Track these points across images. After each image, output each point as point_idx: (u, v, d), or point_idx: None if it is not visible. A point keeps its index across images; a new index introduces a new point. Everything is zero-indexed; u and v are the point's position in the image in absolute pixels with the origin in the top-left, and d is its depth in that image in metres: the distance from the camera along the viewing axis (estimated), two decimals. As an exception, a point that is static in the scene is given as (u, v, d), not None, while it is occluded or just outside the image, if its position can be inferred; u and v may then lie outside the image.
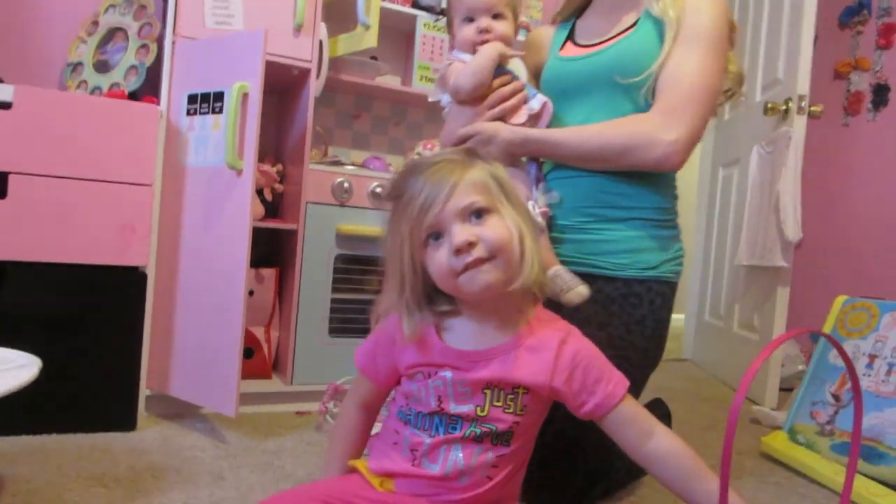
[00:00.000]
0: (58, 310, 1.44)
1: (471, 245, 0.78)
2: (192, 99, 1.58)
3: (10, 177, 1.39)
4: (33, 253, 1.41)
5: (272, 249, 1.99)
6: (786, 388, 2.33)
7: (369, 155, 2.25)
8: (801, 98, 2.18)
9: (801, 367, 2.48)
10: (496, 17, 1.17)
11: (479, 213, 0.79)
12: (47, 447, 1.34)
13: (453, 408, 0.82)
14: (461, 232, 0.78)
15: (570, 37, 1.34)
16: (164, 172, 1.58)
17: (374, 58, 2.07)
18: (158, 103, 1.61)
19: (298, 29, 1.73)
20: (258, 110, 1.46)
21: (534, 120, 1.19)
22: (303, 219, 1.76)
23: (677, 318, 1.92)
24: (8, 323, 1.38)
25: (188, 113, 1.58)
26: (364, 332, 1.85)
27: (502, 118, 1.17)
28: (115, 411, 1.50)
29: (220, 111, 1.52)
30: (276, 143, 2.05)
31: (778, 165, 2.20)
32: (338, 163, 1.91)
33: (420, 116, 2.37)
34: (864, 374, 1.57)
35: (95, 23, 1.88)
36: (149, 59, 1.74)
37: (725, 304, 2.73)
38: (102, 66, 1.82)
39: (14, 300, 1.40)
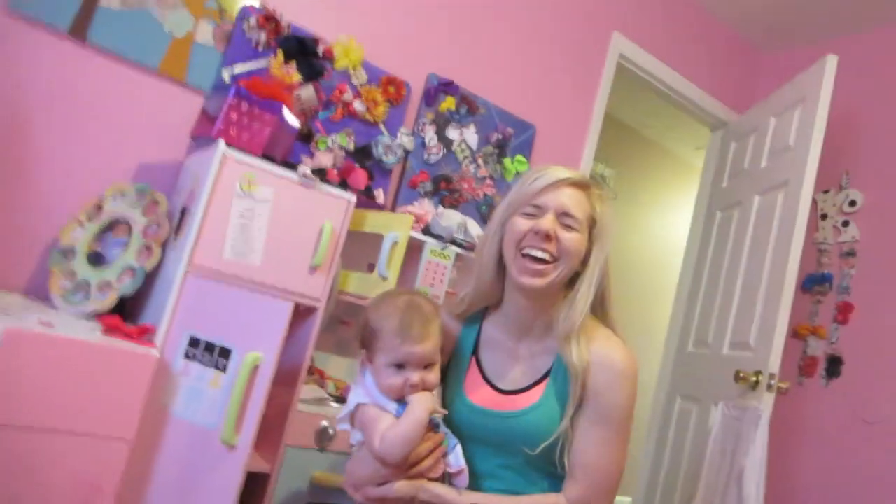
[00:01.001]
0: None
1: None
2: (192, 342, 1.49)
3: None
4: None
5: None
6: None
7: (349, 362, 2.18)
8: (771, 376, 2.29)
9: None
10: (428, 366, 1.12)
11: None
12: None
13: None
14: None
15: (477, 359, 1.27)
16: (143, 424, 1.45)
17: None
18: (151, 333, 1.49)
19: (314, 268, 1.68)
20: (267, 387, 1.38)
21: (450, 477, 1.14)
22: (279, 462, 1.65)
23: None
24: None
25: (186, 356, 1.48)
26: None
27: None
28: None
29: (223, 369, 1.43)
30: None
31: (744, 440, 2.26)
32: (324, 400, 1.82)
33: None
34: None
35: (99, 207, 1.76)
36: (149, 264, 1.64)
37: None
38: (96, 259, 1.70)
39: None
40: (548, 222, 1.15)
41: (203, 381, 1.45)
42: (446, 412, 1.17)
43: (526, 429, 1.15)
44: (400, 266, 1.83)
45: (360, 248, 1.92)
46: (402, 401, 1.10)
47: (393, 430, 1.06)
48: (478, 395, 1.21)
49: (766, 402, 2.27)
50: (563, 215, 1.17)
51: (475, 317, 1.31)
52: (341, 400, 1.90)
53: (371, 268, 1.83)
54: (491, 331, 1.28)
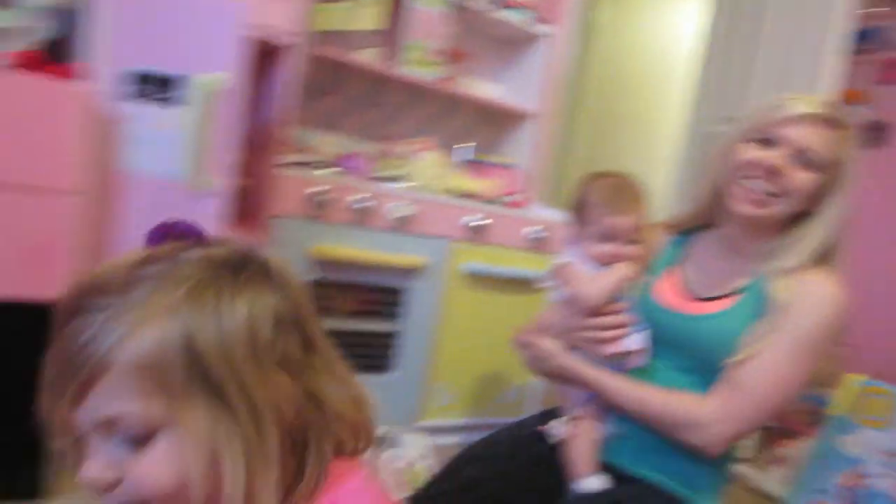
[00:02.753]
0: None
1: (109, 486, 0.50)
2: (134, 79, 1.17)
3: None
4: None
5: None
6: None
7: (338, 138, 1.90)
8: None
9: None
10: (631, 241, 1.16)
11: (137, 437, 0.50)
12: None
13: None
14: (95, 463, 0.50)
15: (678, 267, 1.24)
16: (92, 177, 1.18)
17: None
18: (80, 75, 1.18)
19: (282, -8, 1.34)
20: (236, 117, 1.10)
21: (622, 356, 1.15)
22: (269, 234, 1.42)
23: None
24: None
25: (129, 97, 1.18)
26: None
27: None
28: (19, 478, 1.18)
29: (178, 103, 1.13)
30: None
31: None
32: (311, 164, 1.55)
33: (402, 99, 2.02)
34: (880, 474, 1.47)
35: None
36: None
37: None
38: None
39: None
40: (777, 157, 1.07)
41: (156, 122, 1.16)
42: (641, 283, 1.19)
43: (703, 334, 1.13)
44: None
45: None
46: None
47: (591, 277, 1.15)
48: (665, 296, 1.21)
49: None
50: (799, 153, 1.07)
51: (688, 231, 1.27)
52: (328, 166, 1.63)
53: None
54: (698, 245, 1.25)
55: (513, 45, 2.17)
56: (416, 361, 1.70)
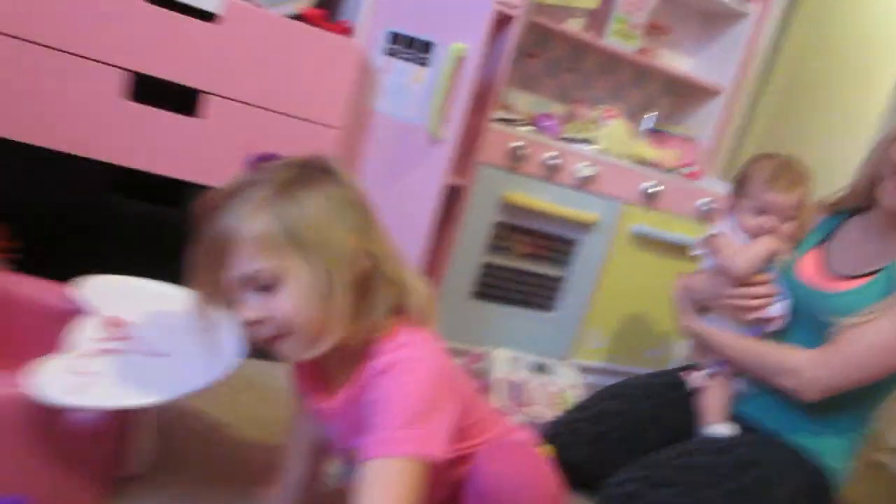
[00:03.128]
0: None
1: (259, 322, 0.74)
2: (393, 38, 1.45)
3: (205, 96, 1.32)
4: (218, 178, 1.37)
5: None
6: None
7: (533, 98, 2.10)
8: None
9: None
10: (787, 219, 1.23)
11: (268, 285, 0.73)
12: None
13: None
14: (247, 307, 0.74)
15: (825, 245, 1.31)
16: (349, 113, 1.49)
17: None
18: (351, 32, 1.48)
19: (515, -30, 1.53)
20: (473, 81, 1.34)
21: (763, 322, 1.26)
22: (473, 178, 1.67)
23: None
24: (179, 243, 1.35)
25: (387, 52, 1.46)
26: (509, 300, 1.84)
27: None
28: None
29: (425, 63, 1.39)
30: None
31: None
32: (515, 121, 1.77)
33: (595, 66, 2.17)
34: None
35: None
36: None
37: None
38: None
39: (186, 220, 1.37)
40: None
41: (405, 77, 1.43)
42: (789, 259, 1.28)
43: (834, 309, 1.18)
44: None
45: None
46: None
47: (741, 247, 1.24)
48: (805, 273, 1.29)
49: None
50: None
51: (843, 212, 1.34)
52: (529, 124, 1.85)
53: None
54: (850, 227, 1.31)
55: (715, 20, 2.21)
56: (575, 305, 1.91)
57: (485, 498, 0.85)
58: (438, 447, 0.73)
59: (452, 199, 1.74)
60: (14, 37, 1.15)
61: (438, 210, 1.49)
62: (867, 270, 1.21)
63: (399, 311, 0.79)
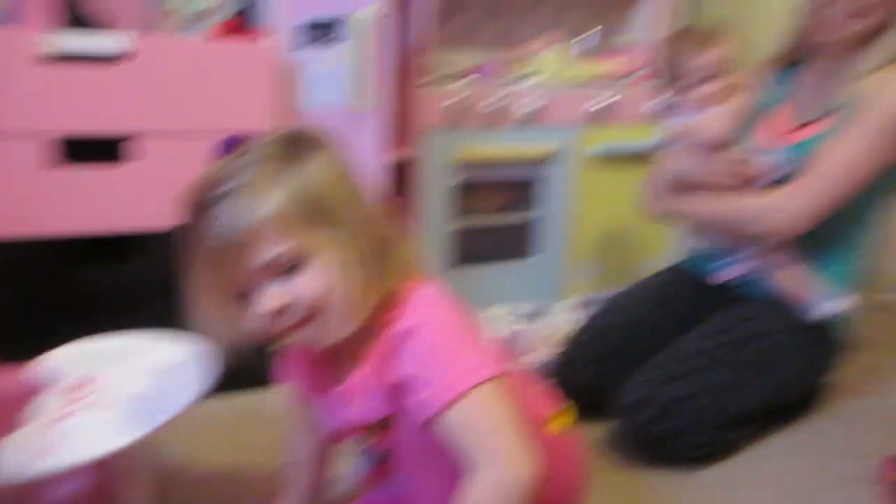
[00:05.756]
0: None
1: (284, 309, 0.68)
2: (303, 30, 1.42)
3: (132, 139, 1.30)
4: (164, 221, 1.37)
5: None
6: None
7: (474, 50, 2.04)
8: None
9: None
10: (725, 73, 1.25)
11: (289, 267, 0.67)
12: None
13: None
14: (269, 296, 0.67)
15: (791, 96, 1.34)
16: (279, 118, 1.47)
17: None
18: (264, 35, 1.45)
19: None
20: (387, 40, 1.30)
21: (752, 180, 1.26)
22: (418, 147, 1.64)
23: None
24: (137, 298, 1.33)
25: (308, 43, 1.42)
26: (491, 258, 1.82)
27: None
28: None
29: (337, 41, 1.37)
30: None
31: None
32: (448, 79, 1.73)
33: (527, 2, 2.10)
34: None
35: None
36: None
37: None
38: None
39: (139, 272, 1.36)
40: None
41: (330, 62, 1.40)
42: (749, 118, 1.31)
43: (805, 157, 1.21)
44: None
45: None
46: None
47: (708, 117, 1.26)
48: (778, 128, 1.31)
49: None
50: None
51: (795, 62, 1.37)
52: (463, 78, 1.80)
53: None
54: (806, 74, 1.34)
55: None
56: (557, 243, 1.87)
57: None
58: (493, 365, 0.71)
59: (404, 173, 1.72)
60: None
61: (387, 187, 1.47)
62: (829, 110, 1.24)
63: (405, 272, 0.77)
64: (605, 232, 1.92)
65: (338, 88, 1.40)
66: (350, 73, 1.33)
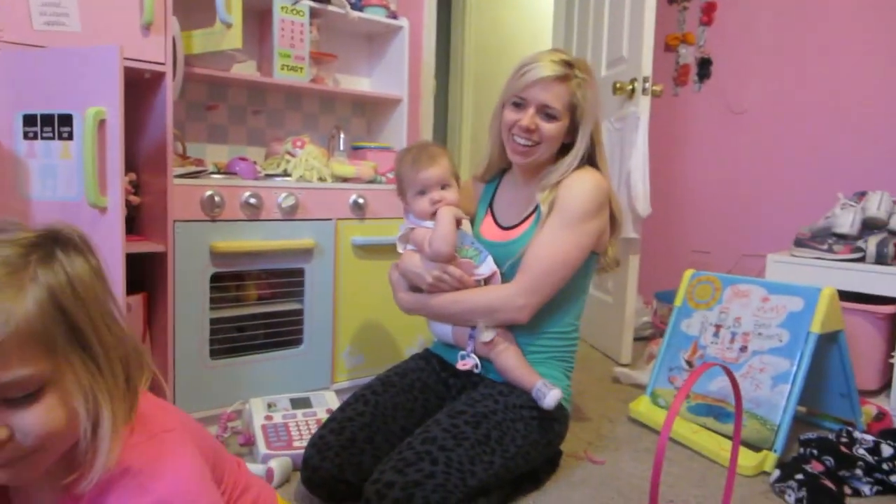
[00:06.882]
0: None
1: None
2: (29, 120, 1.37)
3: None
4: None
5: (134, 273, 1.81)
6: (638, 338, 2.63)
7: (227, 148, 2.11)
8: (645, 79, 2.35)
9: (645, 319, 2.79)
10: (444, 187, 1.43)
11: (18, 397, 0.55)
12: None
13: None
14: None
15: (491, 206, 1.59)
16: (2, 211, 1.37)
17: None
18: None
19: (147, 27, 1.53)
20: (119, 140, 1.31)
21: (486, 281, 1.44)
22: (171, 239, 1.62)
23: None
24: None
25: (25, 136, 1.37)
26: (252, 348, 1.80)
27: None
28: None
29: (70, 137, 1.33)
30: (126, 150, 1.84)
31: (627, 144, 2.38)
32: (202, 172, 1.76)
33: (280, 104, 2.25)
34: (711, 343, 1.81)
35: None
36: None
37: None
38: None
39: None
40: (528, 118, 1.39)
41: (52, 157, 1.35)
42: (467, 217, 1.49)
43: (517, 253, 1.42)
44: (241, 6, 1.70)
45: (196, 2, 1.80)
46: (434, 218, 1.42)
47: (433, 234, 1.39)
48: (488, 232, 1.54)
49: (643, 106, 2.35)
50: (543, 108, 1.39)
51: (495, 177, 1.63)
52: (222, 172, 1.85)
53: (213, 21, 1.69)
54: (505, 185, 1.60)
55: (375, 38, 2.41)
56: (321, 331, 1.91)
57: None
58: None
59: (157, 266, 1.68)
60: None
61: (125, 281, 1.41)
62: (525, 216, 1.48)
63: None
64: (367, 320, 2.02)
65: (71, 183, 1.35)
66: (85, 169, 1.30)
